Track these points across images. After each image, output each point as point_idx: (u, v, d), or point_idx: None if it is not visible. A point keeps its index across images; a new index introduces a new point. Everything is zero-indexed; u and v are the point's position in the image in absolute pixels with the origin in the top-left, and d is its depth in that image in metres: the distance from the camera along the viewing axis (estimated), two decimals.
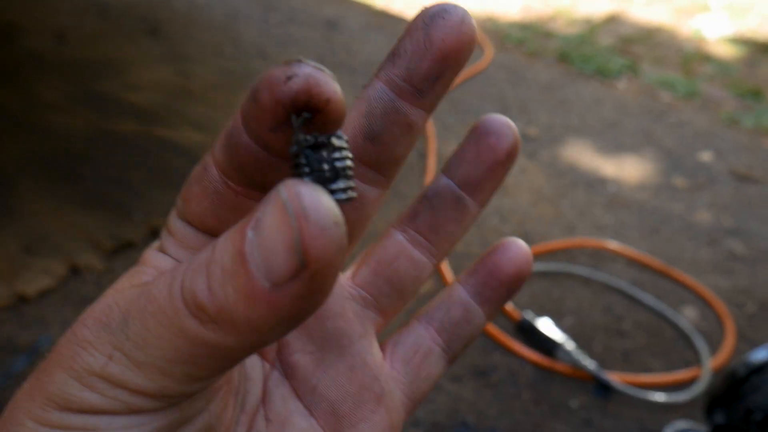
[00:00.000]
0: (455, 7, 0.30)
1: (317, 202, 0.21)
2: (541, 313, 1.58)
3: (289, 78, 0.24)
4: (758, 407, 1.00)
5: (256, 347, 0.24)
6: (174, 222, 0.31)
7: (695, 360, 1.52)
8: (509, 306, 1.59)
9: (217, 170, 0.29)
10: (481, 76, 2.88)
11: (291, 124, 0.24)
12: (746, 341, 1.58)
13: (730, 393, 1.08)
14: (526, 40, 3.44)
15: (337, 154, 0.25)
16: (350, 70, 2.79)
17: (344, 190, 0.25)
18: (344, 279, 0.37)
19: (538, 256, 1.80)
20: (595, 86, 2.98)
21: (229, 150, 0.28)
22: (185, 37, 2.83)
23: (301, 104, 0.24)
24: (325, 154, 0.25)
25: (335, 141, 0.25)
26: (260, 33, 3.03)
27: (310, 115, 0.24)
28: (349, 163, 0.25)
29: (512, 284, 0.36)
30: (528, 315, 1.54)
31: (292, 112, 0.24)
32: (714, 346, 1.56)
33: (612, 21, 3.91)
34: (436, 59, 0.30)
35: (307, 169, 0.25)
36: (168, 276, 0.24)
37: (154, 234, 1.71)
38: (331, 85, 0.24)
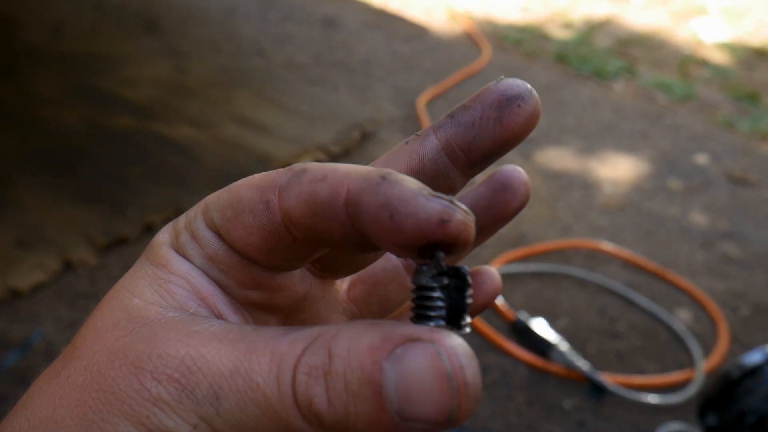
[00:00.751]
0: (530, 94, 0.31)
1: (475, 375, 0.23)
2: (535, 313, 1.58)
3: (443, 222, 0.25)
4: (751, 410, 1.00)
5: None
6: (202, 230, 0.31)
7: (689, 362, 1.53)
8: (504, 306, 1.59)
9: (282, 217, 0.29)
10: (479, 75, 2.88)
11: (419, 250, 0.26)
12: (739, 344, 1.59)
13: (724, 395, 1.08)
14: (524, 41, 3.44)
15: (469, 290, 0.27)
16: (348, 68, 2.78)
17: (469, 325, 0.27)
18: (341, 290, 0.38)
19: (534, 257, 1.80)
20: (592, 88, 2.98)
21: (315, 216, 0.28)
22: (182, 33, 2.83)
23: (444, 246, 0.25)
24: (456, 286, 0.27)
25: (468, 278, 0.27)
26: (258, 30, 3.03)
27: (445, 254, 0.26)
28: (471, 298, 0.27)
29: (474, 313, 0.37)
30: (522, 315, 1.54)
31: (431, 245, 0.25)
32: (707, 349, 1.57)
33: (609, 23, 3.91)
34: (500, 142, 0.32)
35: (440, 303, 0.26)
36: (273, 364, 0.25)
37: (148, 230, 1.70)
38: (473, 230, 0.26)
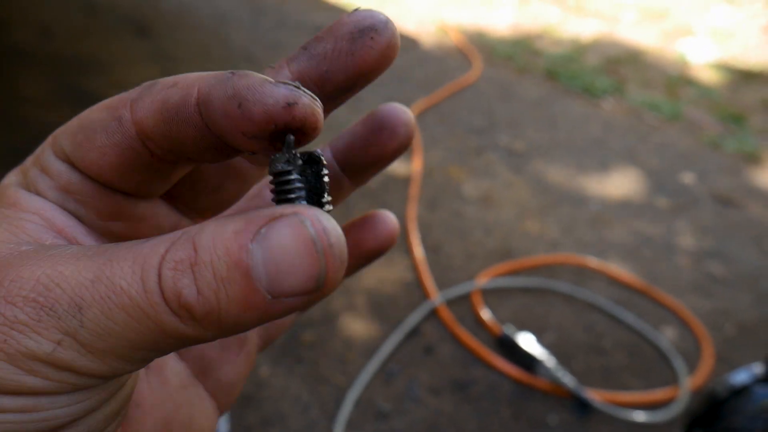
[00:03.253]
0: (386, 25, 0.30)
1: (339, 236, 0.24)
2: (522, 328, 1.57)
3: (290, 105, 0.25)
4: (738, 429, 1.00)
5: (224, 337, 0.25)
6: (51, 162, 0.30)
7: (673, 380, 1.53)
8: (491, 320, 1.59)
9: (137, 130, 0.28)
10: (470, 89, 2.89)
11: (270, 137, 0.26)
12: (724, 363, 1.59)
13: (711, 414, 1.08)
14: (515, 56, 3.46)
15: (324, 170, 0.27)
16: None
17: (330, 202, 0.28)
18: None
19: (522, 272, 1.80)
20: (581, 104, 3.00)
21: (168, 122, 0.27)
22: (173, 38, 2.81)
23: (293, 129, 0.26)
24: (311, 170, 0.27)
25: (322, 159, 0.28)
26: (249, 37, 3.02)
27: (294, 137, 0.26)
28: (327, 178, 0.28)
29: (371, 256, 0.38)
30: (509, 330, 1.53)
31: (280, 132, 0.26)
32: (692, 367, 1.57)
33: (599, 41, 3.95)
34: (354, 75, 0.30)
35: (299, 185, 0.27)
36: (135, 266, 0.24)
37: None
38: (320, 114, 0.26)
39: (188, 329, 0.24)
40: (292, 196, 0.27)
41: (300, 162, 0.27)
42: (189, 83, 0.27)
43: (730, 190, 2.43)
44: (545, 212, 2.10)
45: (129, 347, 0.24)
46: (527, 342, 1.49)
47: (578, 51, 3.73)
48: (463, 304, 1.65)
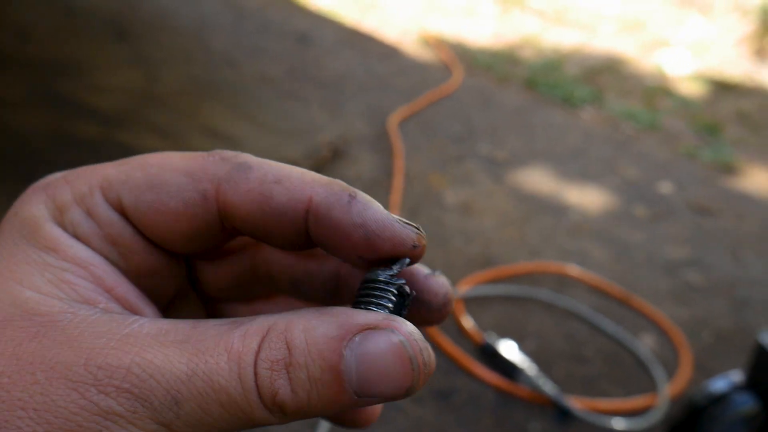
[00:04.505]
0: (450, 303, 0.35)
1: (431, 356, 0.27)
2: (504, 336, 1.57)
3: (415, 247, 0.29)
4: None
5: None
6: (103, 209, 0.29)
7: (652, 387, 1.54)
8: (472, 328, 1.59)
9: (220, 210, 0.29)
10: (450, 98, 2.90)
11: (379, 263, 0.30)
12: (702, 370, 1.61)
13: (690, 422, 1.09)
14: (495, 65, 3.49)
15: (407, 303, 0.31)
16: (321, 84, 2.78)
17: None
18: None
19: (502, 280, 1.81)
20: (561, 114, 3.03)
21: (266, 216, 0.29)
22: (154, 42, 2.79)
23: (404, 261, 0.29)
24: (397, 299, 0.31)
25: (409, 295, 0.31)
26: (231, 42, 3.01)
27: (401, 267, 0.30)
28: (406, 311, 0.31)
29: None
30: (491, 338, 1.54)
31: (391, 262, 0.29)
32: (671, 374, 1.58)
33: (579, 51, 3.99)
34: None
35: (392, 297, 0.29)
36: (231, 363, 0.25)
37: None
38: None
39: (274, 419, 0.26)
40: (382, 302, 0.29)
41: (397, 283, 0.30)
42: (298, 187, 0.29)
43: (707, 199, 2.47)
44: (526, 220, 2.11)
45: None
46: (509, 350, 1.50)
47: (558, 61, 3.77)
48: None
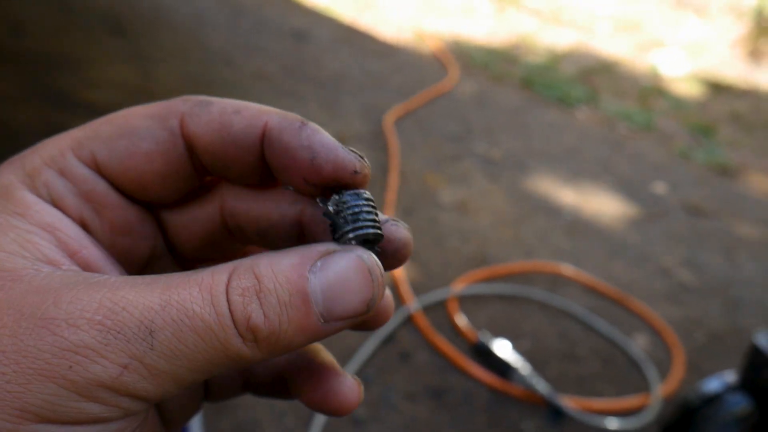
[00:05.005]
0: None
1: (382, 270, 0.29)
2: (498, 335, 1.58)
3: (356, 173, 0.30)
4: None
5: (263, 360, 0.28)
6: (75, 166, 0.30)
7: (645, 387, 1.55)
8: (466, 327, 1.59)
9: (186, 143, 0.30)
10: (446, 97, 2.90)
11: (325, 187, 0.30)
12: (694, 371, 1.62)
13: (683, 422, 1.09)
14: (491, 64, 3.49)
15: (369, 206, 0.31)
16: (317, 82, 2.77)
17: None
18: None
19: (497, 279, 1.81)
20: (556, 113, 3.04)
21: (226, 144, 0.30)
22: (150, 38, 2.78)
23: (350, 187, 0.30)
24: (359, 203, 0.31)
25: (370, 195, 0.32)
26: (228, 39, 3.00)
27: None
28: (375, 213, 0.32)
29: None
30: (485, 336, 1.54)
31: (332, 188, 0.30)
32: (664, 374, 1.59)
33: (575, 51, 4.00)
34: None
35: (350, 218, 0.30)
36: (204, 292, 0.25)
37: None
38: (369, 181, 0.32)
39: (247, 351, 0.26)
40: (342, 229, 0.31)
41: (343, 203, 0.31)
42: (254, 114, 0.31)
43: (701, 200, 2.48)
44: (521, 220, 2.12)
45: (190, 369, 0.26)
46: (503, 349, 1.50)
47: (554, 60, 3.77)
48: (439, 311, 1.65)
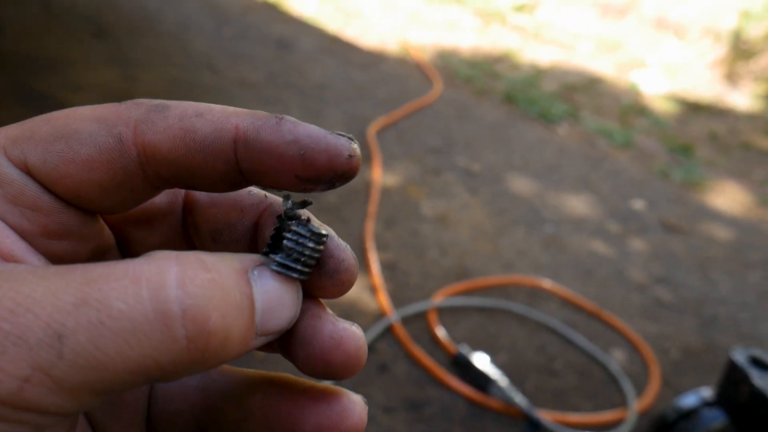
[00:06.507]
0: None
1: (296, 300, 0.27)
2: (477, 347, 1.58)
3: (350, 157, 0.28)
4: None
5: (193, 374, 0.26)
6: (5, 167, 0.27)
7: (622, 402, 1.56)
8: (446, 339, 1.59)
9: (139, 152, 0.27)
10: (429, 109, 2.92)
11: (324, 181, 0.28)
12: (670, 386, 1.63)
13: None
14: (474, 78, 3.52)
15: (311, 247, 0.29)
16: (301, 91, 2.77)
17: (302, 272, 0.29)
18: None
19: (476, 291, 1.82)
20: (537, 129, 3.07)
21: (191, 152, 0.27)
22: (133, 42, 2.76)
23: (340, 178, 0.28)
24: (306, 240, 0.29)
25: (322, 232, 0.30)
26: (211, 45, 2.99)
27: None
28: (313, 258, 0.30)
29: None
30: (464, 349, 1.54)
31: (332, 183, 0.28)
32: (640, 389, 1.60)
33: (556, 68, 4.05)
34: None
35: (291, 244, 0.28)
36: (141, 288, 0.22)
37: None
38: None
39: (183, 357, 0.22)
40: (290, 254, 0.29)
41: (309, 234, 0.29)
42: (221, 117, 0.28)
43: (678, 217, 2.51)
44: (500, 233, 2.13)
45: (108, 380, 0.22)
46: (481, 362, 1.50)
47: (536, 76, 3.81)
48: (418, 323, 1.65)
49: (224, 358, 0.24)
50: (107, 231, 0.31)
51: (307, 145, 0.27)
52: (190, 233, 0.33)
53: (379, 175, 2.22)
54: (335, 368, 0.29)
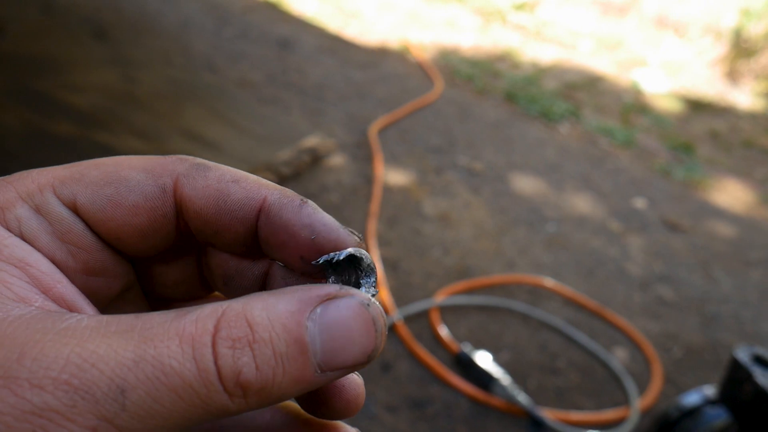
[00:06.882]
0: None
1: (385, 319, 0.28)
2: (479, 346, 1.58)
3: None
4: None
5: (246, 411, 0.26)
6: (53, 205, 0.29)
7: (624, 400, 1.55)
8: (448, 338, 1.59)
9: (177, 203, 0.30)
10: (430, 108, 2.92)
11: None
12: (672, 384, 1.63)
13: None
14: (475, 77, 3.52)
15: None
16: (301, 91, 2.77)
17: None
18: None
19: (479, 290, 1.82)
20: (539, 128, 3.06)
21: (220, 212, 0.30)
22: (133, 43, 2.76)
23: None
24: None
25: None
26: (212, 45, 2.99)
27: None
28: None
29: None
30: (466, 348, 1.54)
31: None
32: (642, 388, 1.60)
33: (557, 66, 4.05)
34: None
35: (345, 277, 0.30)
36: (185, 347, 0.24)
37: None
38: None
39: (233, 405, 0.25)
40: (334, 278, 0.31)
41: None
42: (253, 187, 0.30)
43: (679, 216, 2.51)
44: (502, 232, 2.13)
45: (166, 427, 0.24)
46: (484, 360, 1.50)
47: (536, 75, 3.81)
48: (421, 321, 1.65)
49: (279, 399, 0.25)
50: (132, 268, 0.34)
51: (319, 232, 0.29)
52: (204, 274, 0.35)
53: (380, 174, 2.22)
54: (335, 412, 0.32)
